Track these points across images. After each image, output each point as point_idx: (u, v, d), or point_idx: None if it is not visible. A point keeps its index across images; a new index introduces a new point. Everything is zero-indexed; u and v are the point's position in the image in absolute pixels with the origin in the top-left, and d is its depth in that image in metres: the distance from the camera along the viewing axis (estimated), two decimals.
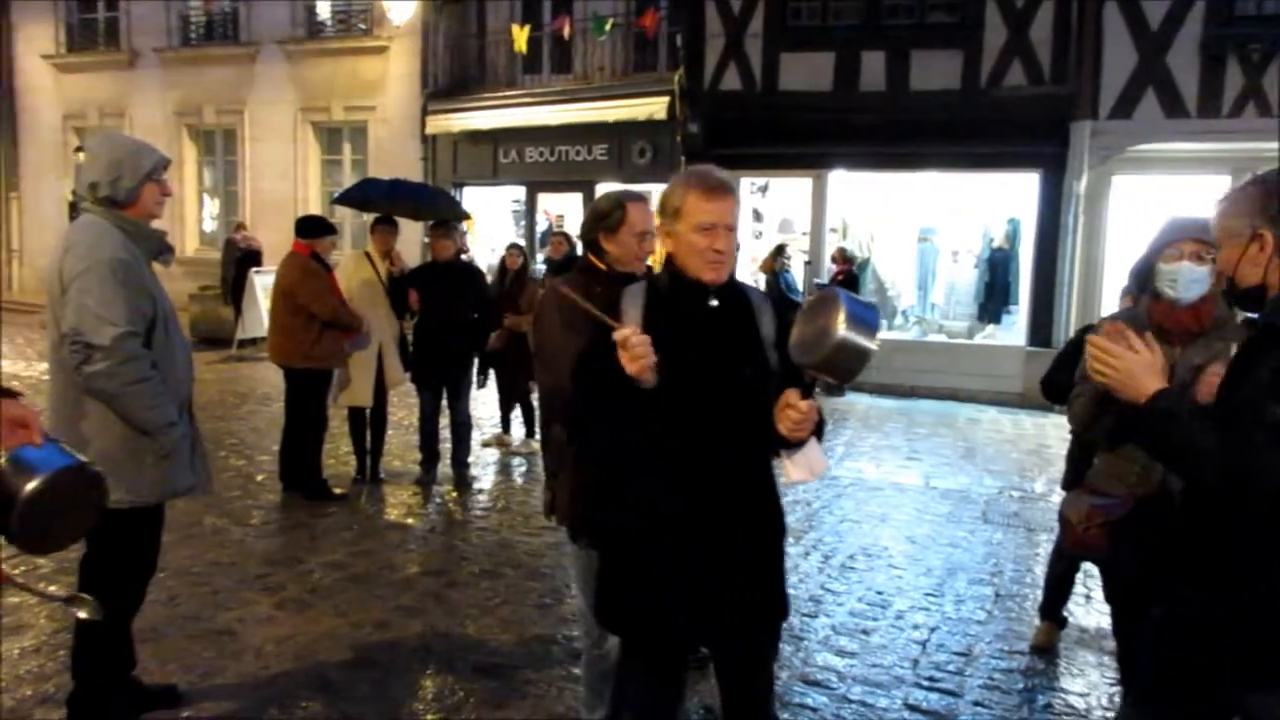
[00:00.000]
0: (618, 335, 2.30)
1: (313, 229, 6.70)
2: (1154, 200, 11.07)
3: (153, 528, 3.37)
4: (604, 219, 3.07)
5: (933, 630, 4.80)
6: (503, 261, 8.60)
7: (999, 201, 12.66)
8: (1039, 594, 4.87)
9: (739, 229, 2.48)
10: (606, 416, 2.46)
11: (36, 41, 19.14)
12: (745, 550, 2.46)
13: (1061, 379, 3.87)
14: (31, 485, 1.92)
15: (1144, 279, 3.11)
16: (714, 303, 2.46)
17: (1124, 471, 3.08)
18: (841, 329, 2.19)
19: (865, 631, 4.73)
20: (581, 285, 3.06)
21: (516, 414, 8.62)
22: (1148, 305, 3.07)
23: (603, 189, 15.12)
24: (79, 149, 17.18)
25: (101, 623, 3.26)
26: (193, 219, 18.66)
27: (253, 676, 3.97)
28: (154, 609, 4.28)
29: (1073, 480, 4.19)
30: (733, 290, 2.53)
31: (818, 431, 2.44)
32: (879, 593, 5.29)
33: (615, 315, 2.45)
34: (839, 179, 12.90)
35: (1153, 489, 2.96)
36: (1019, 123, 11.14)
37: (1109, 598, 3.53)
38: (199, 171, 18.79)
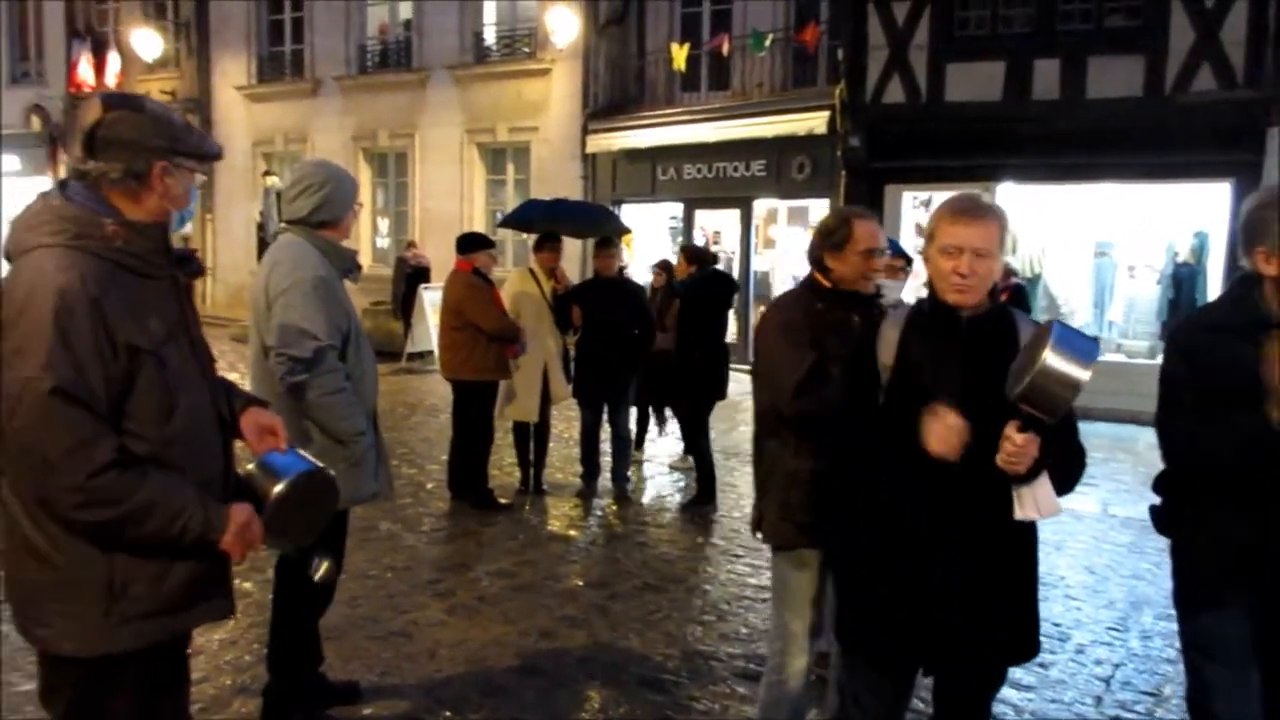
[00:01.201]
0: (938, 412, 2.28)
1: (471, 244, 6.97)
2: None
3: (340, 531, 3.55)
4: (829, 236, 3.04)
5: (1117, 667, 4.53)
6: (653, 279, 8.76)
7: (1184, 213, 11.91)
8: None
9: (997, 254, 2.38)
10: (854, 437, 2.50)
11: (231, 75, 20.58)
12: (994, 579, 2.40)
13: None
14: (279, 488, 2.14)
15: None
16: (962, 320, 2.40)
17: None
18: (1047, 356, 2.12)
19: (1043, 665, 4.50)
20: (805, 303, 3.05)
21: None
22: None
23: (761, 205, 15.12)
24: (267, 173, 18.36)
25: (297, 621, 3.47)
26: (366, 237, 19.60)
27: (428, 678, 4.12)
28: (336, 610, 4.46)
29: None
30: (995, 315, 2.46)
31: (1059, 471, 2.35)
32: (1056, 624, 5.03)
33: (844, 334, 2.45)
34: (1007, 192, 12.41)
35: None
36: (1208, 130, 10.46)
37: None
38: (373, 192, 19.74)
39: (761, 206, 15.31)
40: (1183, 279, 11.74)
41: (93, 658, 2.02)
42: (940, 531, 2.36)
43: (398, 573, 5.46)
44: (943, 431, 2.24)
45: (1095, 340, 2.24)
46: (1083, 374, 2.13)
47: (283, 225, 3.44)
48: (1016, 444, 2.22)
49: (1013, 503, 2.35)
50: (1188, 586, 2.71)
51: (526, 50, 17.22)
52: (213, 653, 4.23)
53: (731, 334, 15.71)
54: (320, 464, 2.28)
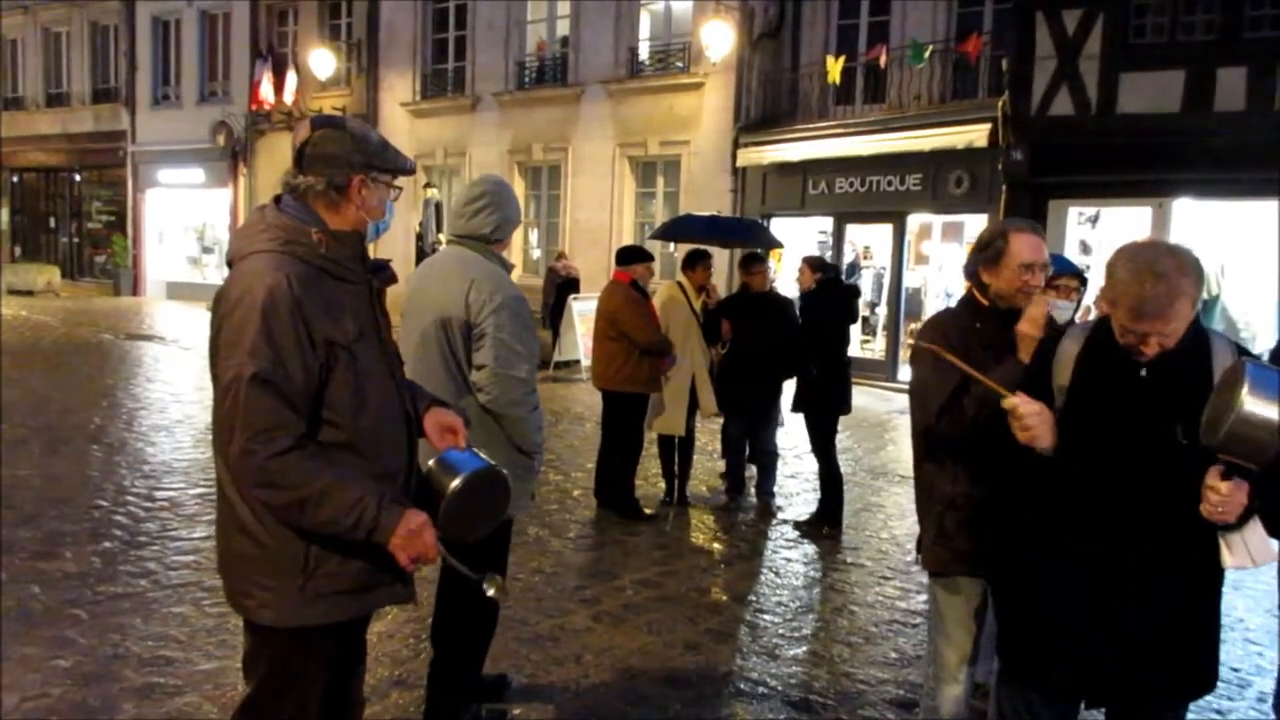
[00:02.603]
0: (1007, 404, 2.27)
1: (631, 257, 7.00)
2: None
3: (507, 536, 3.64)
4: (984, 250, 2.93)
5: None
6: None
7: None
8: None
9: (1188, 315, 2.25)
10: (1010, 460, 2.44)
11: (397, 91, 21.54)
12: (1173, 613, 2.29)
13: None
14: (455, 482, 2.25)
15: None
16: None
17: None
18: (1243, 401, 1.98)
19: (1221, 712, 4.21)
20: (962, 321, 2.96)
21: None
22: None
23: (914, 220, 14.77)
24: (427, 185, 19.11)
25: (477, 616, 3.57)
26: (519, 248, 20.14)
27: (574, 682, 4.17)
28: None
29: None
30: (1184, 348, 2.28)
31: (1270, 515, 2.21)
32: (1235, 669, 4.69)
33: (1002, 352, 2.37)
34: (1184, 207, 11.74)
35: None
36: None
37: None
38: (526, 204, 20.26)
39: (915, 221, 14.95)
40: None
41: (288, 629, 2.21)
42: (1119, 560, 2.24)
43: (545, 577, 5.56)
44: (1021, 431, 2.23)
45: None
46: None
47: (452, 238, 3.54)
48: (1222, 493, 2.10)
49: (1220, 550, 2.22)
50: None
51: (680, 65, 17.36)
52: (372, 644, 4.36)
53: (878, 350, 15.45)
54: (495, 463, 2.38)
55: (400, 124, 21.51)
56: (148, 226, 26.74)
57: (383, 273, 2.36)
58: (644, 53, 18.12)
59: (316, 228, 2.21)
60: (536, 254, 20.06)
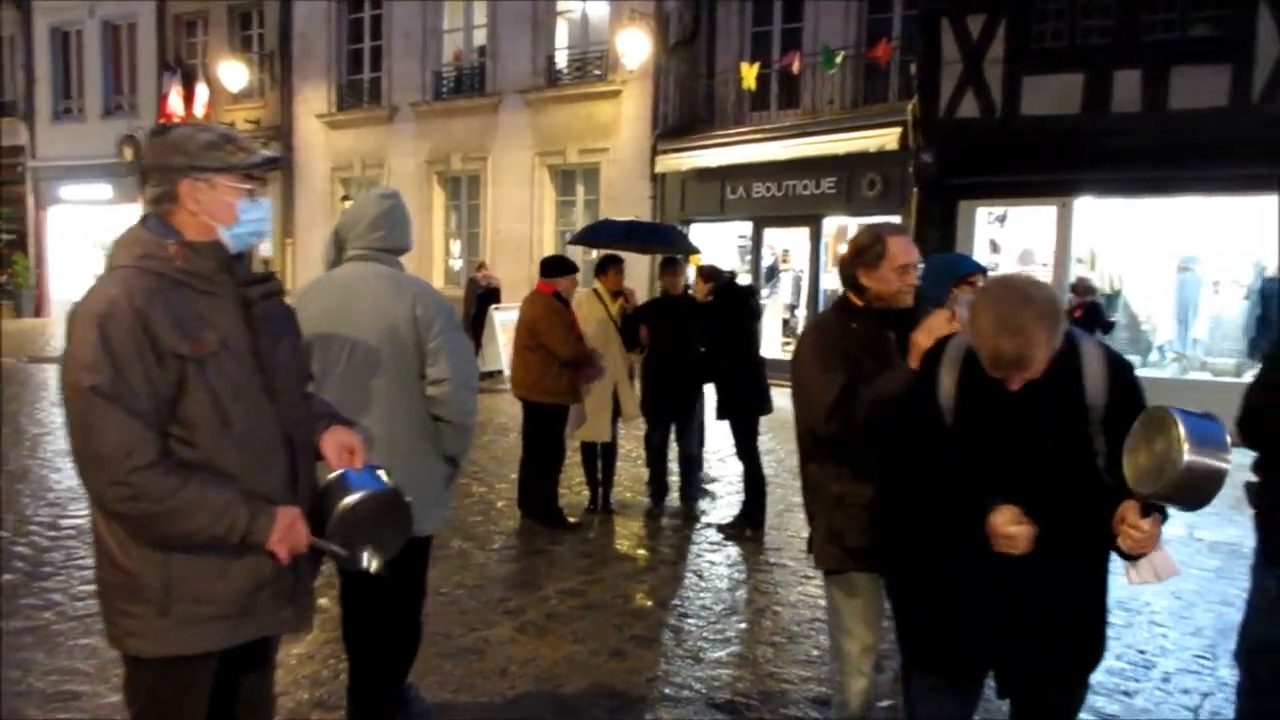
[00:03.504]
0: (998, 522, 2.28)
1: (556, 269, 6.97)
2: None
3: (425, 552, 3.60)
4: (863, 254, 2.99)
5: (1206, 696, 4.36)
6: None
7: (1273, 227, 11.49)
8: None
9: (1049, 345, 2.29)
10: (912, 467, 2.48)
11: (312, 103, 21.17)
12: (1061, 593, 2.37)
13: None
14: (347, 501, 2.18)
15: None
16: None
17: None
18: (1186, 453, 2.00)
19: (1128, 693, 4.35)
20: (839, 324, 3.02)
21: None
22: None
23: (830, 223, 15.03)
24: (345, 198, 18.83)
25: (394, 629, 3.50)
26: (440, 259, 19.95)
27: (500, 695, 4.14)
28: None
29: None
30: (1058, 353, 2.32)
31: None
32: (1141, 651, 4.86)
33: (881, 351, 2.41)
34: (1086, 206, 12.15)
35: None
36: None
37: None
38: (445, 215, 20.11)
39: (831, 224, 15.21)
40: (1270, 294, 11.32)
41: (156, 659, 2.14)
42: (1007, 558, 2.31)
43: (469, 590, 5.51)
44: (1004, 541, 2.26)
45: (1219, 421, 2.12)
46: (1227, 461, 2.04)
47: (364, 252, 3.37)
48: (1144, 530, 2.18)
49: (1126, 568, 2.33)
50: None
51: (597, 73, 17.41)
52: (290, 666, 4.31)
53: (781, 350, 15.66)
54: (395, 486, 2.32)
55: (316, 136, 21.17)
56: (50, 245, 25.82)
57: (263, 284, 2.27)
58: (561, 61, 18.13)
59: (174, 240, 2.15)
60: (457, 265, 19.90)
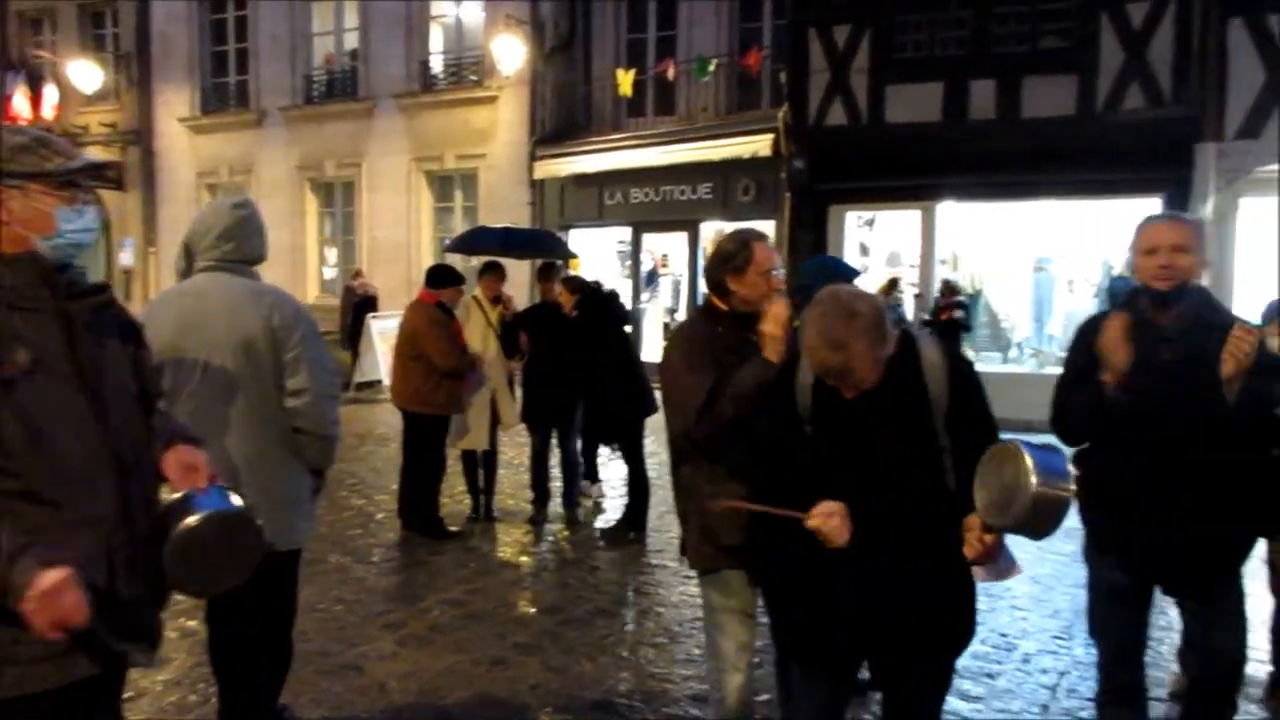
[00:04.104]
0: (811, 525, 2.35)
1: (441, 279, 6.87)
2: None
3: (293, 571, 3.50)
4: (730, 259, 3.05)
5: (1062, 674, 4.61)
6: None
7: (1119, 228, 12.22)
8: (1175, 637, 4.60)
9: (873, 354, 2.38)
10: (764, 459, 2.57)
11: (174, 106, 20.34)
12: (920, 581, 2.45)
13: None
14: (183, 523, 2.05)
15: None
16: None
17: None
18: (1033, 485, 2.09)
19: (991, 675, 4.57)
20: (704, 328, 3.09)
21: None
22: None
23: (708, 228, 15.26)
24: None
25: (264, 646, 3.39)
26: (314, 267, 19.45)
27: (380, 710, 4.07)
28: None
29: None
30: (897, 355, 2.41)
31: None
32: (1003, 635, 5.11)
33: (745, 353, 2.47)
34: (948, 210, 12.68)
35: None
36: (1139, 147, 10.79)
37: None
38: (320, 222, 19.61)
39: (709, 229, 15.43)
40: (1118, 292, 12.00)
41: None
42: (869, 544, 2.39)
43: (347, 605, 5.39)
44: (825, 530, 2.34)
45: (1060, 452, 2.23)
46: (1070, 491, 2.14)
47: (217, 263, 3.23)
48: (986, 543, 2.30)
49: (974, 568, 2.46)
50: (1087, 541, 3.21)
51: (473, 78, 17.26)
52: (156, 694, 4.15)
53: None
54: (243, 506, 2.19)
55: (179, 140, 20.36)
56: None
57: (92, 297, 2.10)
58: (437, 65, 17.91)
59: None
60: (331, 273, 19.43)
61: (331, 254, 19.65)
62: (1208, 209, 10.73)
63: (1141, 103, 11.06)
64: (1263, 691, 4.26)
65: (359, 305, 15.19)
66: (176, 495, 2.15)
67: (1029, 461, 2.10)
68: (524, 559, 6.48)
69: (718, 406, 2.82)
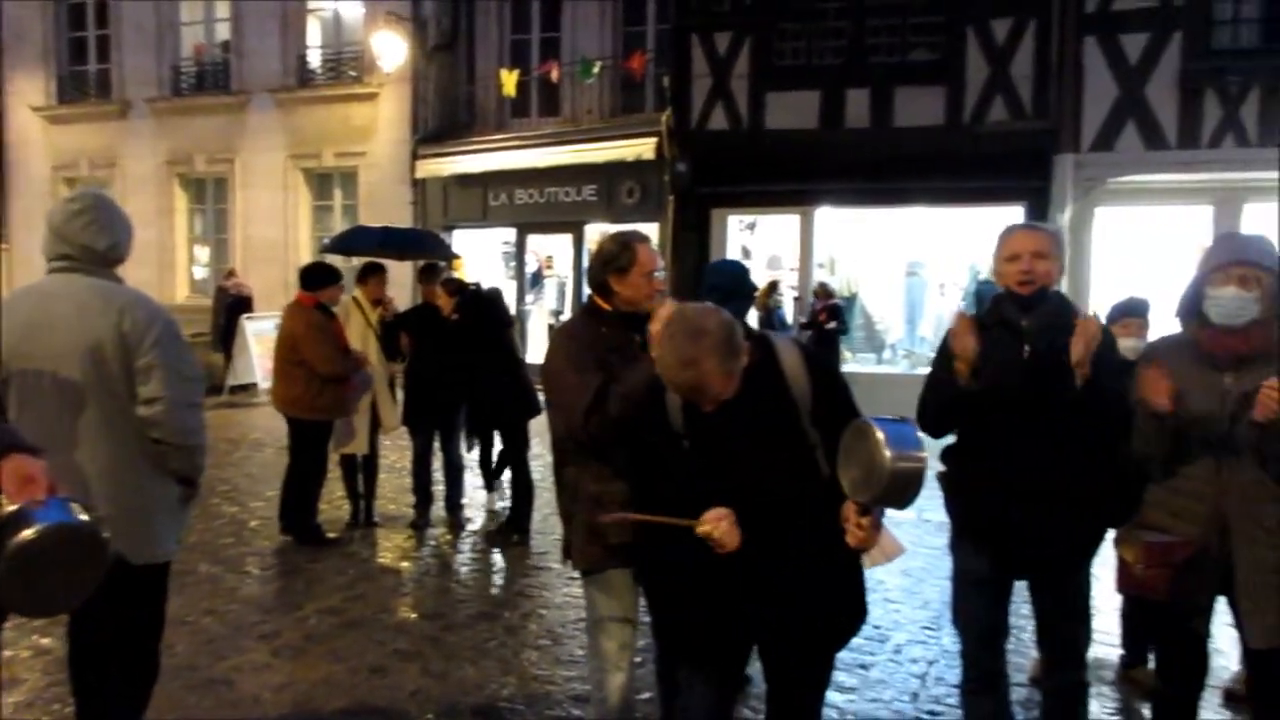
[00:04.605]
0: (701, 532, 2.37)
1: (318, 280, 6.67)
2: (1137, 231, 11.24)
3: (162, 584, 3.35)
4: (614, 261, 3.08)
5: (931, 663, 4.79)
6: None
7: (985, 235, 12.75)
8: (1033, 624, 4.86)
9: (734, 372, 2.42)
10: (645, 466, 2.60)
11: (27, 94, 19.26)
12: (804, 571, 2.51)
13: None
14: (17, 537, 1.93)
15: (1193, 304, 3.03)
16: None
17: (1183, 507, 2.98)
18: (888, 460, 2.17)
19: (864, 666, 4.72)
20: (588, 328, 3.10)
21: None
22: (1195, 330, 3.03)
23: (592, 230, 15.28)
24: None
25: (126, 662, 3.24)
26: (183, 267, 18.72)
27: None
28: None
29: None
30: (756, 360, 2.46)
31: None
32: (876, 627, 5.26)
33: (628, 353, 2.50)
34: (825, 215, 13.03)
35: (1216, 527, 2.92)
36: (1002, 157, 11.28)
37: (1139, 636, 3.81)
38: (190, 220, 18.87)
39: (593, 230, 15.47)
40: (984, 295, 12.53)
41: None
42: (753, 547, 2.45)
43: (218, 616, 5.20)
44: (717, 536, 2.39)
45: (911, 423, 2.31)
46: (923, 459, 2.21)
47: (62, 263, 3.04)
48: (864, 527, 2.36)
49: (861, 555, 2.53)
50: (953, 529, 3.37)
51: (353, 74, 16.89)
52: (6, 716, 3.92)
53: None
54: (87, 520, 2.08)
55: (33, 131, 19.30)
56: None
57: None
58: (315, 60, 17.45)
59: None
60: (203, 273, 18.72)
61: (203, 253, 18.94)
62: (1066, 217, 11.31)
63: (1005, 115, 11.58)
64: (1114, 674, 4.52)
65: (232, 306, 14.68)
66: (11, 508, 2.02)
67: (879, 435, 2.19)
68: (405, 564, 6.38)
69: (607, 406, 2.83)
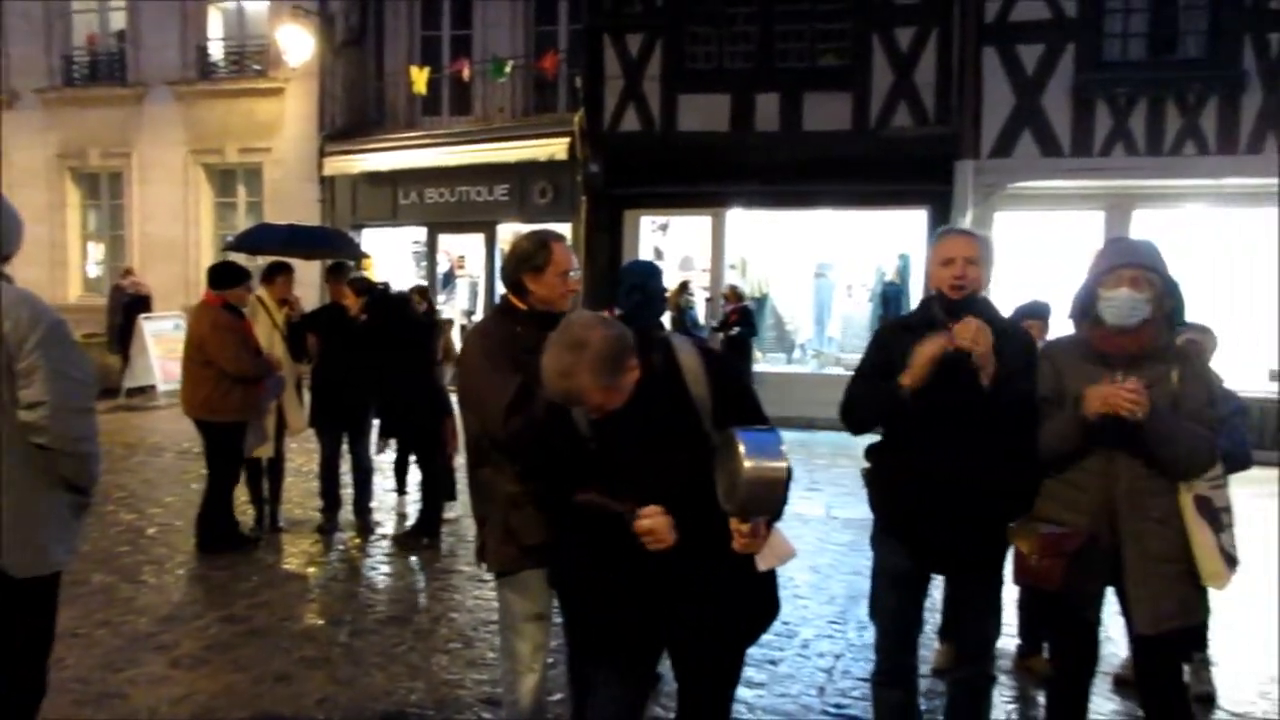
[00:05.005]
0: (640, 526, 2.39)
1: (226, 279, 6.46)
2: (1034, 235, 11.64)
3: (52, 595, 3.21)
4: (529, 259, 3.06)
5: (838, 658, 4.89)
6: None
7: (890, 237, 13.10)
8: (937, 618, 5.00)
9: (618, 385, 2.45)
10: (554, 471, 2.61)
11: None
12: (710, 570, 2.51)
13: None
14: None
15: (1086, 304, 3.13)
16: None
17: (1075, 499, 3.08)
18: (746, 468, 2.20)
19: (773, 662, 4.79)
20: (504, 327, 3.07)
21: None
22: (1088, 330, 3.12)
23: (505, 229, 15.19)
24: None
25: (27, 690, 3.09)
26: (76, 265, 18.00)
27: None
28: None
29: None
30: (657, 361, 2.50)
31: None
32: (785, 623, 5.33)
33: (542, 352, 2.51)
34: (736, 217, 13.19)
35: (1106, 518, 3.03)
36: (906, 162, 11.57)
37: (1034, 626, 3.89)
38: (83, 216, 18.16)
39: (505, 230, 15.37)
40: (890, 296, 12.89)
41: None
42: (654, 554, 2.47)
43: (112, 628, 5.02)
44: (649, 540, 2.42)
45: (774, 430, 2.35)
46: (782, 468, 2.24)
47: None
48: (746, 534, 2.39)
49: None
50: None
51: (257, 68, 16.47)
52: None
53: None
54: None
55: None
56: None
57: None
58: (216, 53, 16.95)
59: None
60: (97, 271, 18.02)
61: (97, 250, 18.24)
62: (967, 221, 11.65)
63: (909, 121, 11.88)
64: (1011, 662, 4.68)
65: (130, 305, 14.16)
66: None
67: (741, 446, 2.22)
68: (312, 570, 6.24)
69: (530, 407, 2.82)
